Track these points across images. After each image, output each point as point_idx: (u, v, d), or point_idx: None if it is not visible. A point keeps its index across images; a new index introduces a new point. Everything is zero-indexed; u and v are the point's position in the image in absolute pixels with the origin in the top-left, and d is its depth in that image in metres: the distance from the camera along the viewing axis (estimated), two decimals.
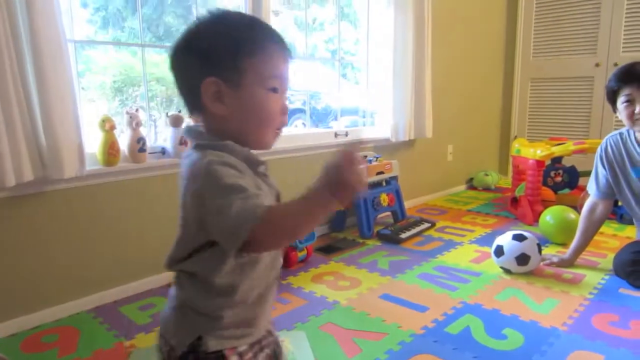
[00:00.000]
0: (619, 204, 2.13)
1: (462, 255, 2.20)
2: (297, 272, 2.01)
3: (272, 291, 0.78)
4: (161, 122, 2.10)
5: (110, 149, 1.68)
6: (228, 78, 0.68)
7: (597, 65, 3.53)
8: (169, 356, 0.73)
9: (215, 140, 0.69)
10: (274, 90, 0.71)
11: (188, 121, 1.86)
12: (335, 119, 3.51)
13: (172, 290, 0.75)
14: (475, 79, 3.67)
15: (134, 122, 1.75)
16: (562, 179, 3.04)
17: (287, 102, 0.74)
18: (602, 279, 1.92)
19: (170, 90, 2.14)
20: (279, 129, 0.74)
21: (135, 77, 2.03)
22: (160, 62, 2.11)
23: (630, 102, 1.80)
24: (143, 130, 1.82)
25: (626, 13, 3.41)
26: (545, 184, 3.02)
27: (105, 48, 2.00)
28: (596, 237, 2.14)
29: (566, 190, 3.02)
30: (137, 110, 1.80)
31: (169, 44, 2.14)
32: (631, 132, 1.95)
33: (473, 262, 2.12)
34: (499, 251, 1.97)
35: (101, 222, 1.74)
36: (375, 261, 2.13)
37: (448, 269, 2.03)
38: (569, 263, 2.05)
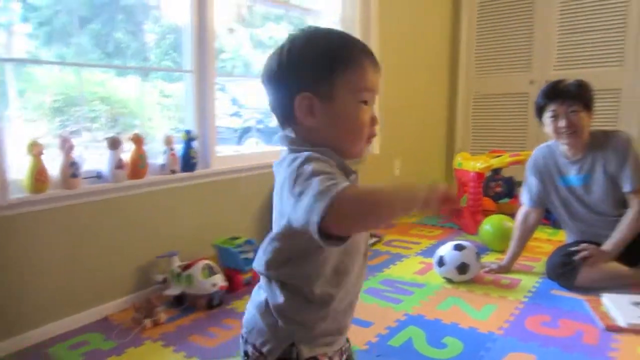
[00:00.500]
0: None
1: (408, 268, 2.26)
2: (242, 295, 1.97)
3: (357, 299, 0.81)
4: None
5: (39, 175, 1.59)
6: (321, 92, 0.71)
7: (531, 82, 3.75)
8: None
9: (313, 145, 0.71)
10: (365, 102, 0.73)
11: (126, 144, 1.85)
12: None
13: (260, 297, 0.76)
14: (421, 96, 3.81)
15: (67, 146, 1.67)
16: (502, 189, 3.18)
17: (375, 113, 0.76)
18: (536, 282, 2.03)
19: (116, 110, 2.11)
20: (370, 139, 0.76)
21: (77, 96, 1.95)
22: (106, 81, 2.08)
23: (555, 117, 1.94)
24: (86, 154, 1.77)
25: (558, 32, 3.65)
26: (486, 194, 3.16)
27: (49, 65, 1.91)
28: (531, 243, 2.27)
29: (505, 200, 3.17)
30: (70, 132, 1.75)
31: (118, 61, 2.17)
32: (558, 144, 2.09)
33: (418, 273, 2.18)
34: (441, 262, 2.04)
35: (24, 255, 1.61)
36: None
37: (394, 282, 2.08)
38: (506, 269, 2.15)
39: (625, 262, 1.94)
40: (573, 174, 2.05)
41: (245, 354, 0.77)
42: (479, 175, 2.81)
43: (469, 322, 1.69)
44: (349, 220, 0.59)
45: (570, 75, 2.28)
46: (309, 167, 0.62)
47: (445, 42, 4.12)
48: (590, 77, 3.46)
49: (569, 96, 1.92)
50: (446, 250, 2.05)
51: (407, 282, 2.08)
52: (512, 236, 2.19)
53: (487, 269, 2.14)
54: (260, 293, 0.77)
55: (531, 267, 2.20)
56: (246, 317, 0.79)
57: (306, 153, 0.66)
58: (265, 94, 0.77)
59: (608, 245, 1.92)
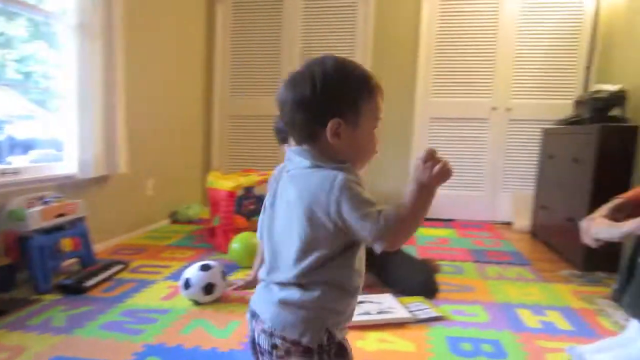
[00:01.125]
0: None
1: (154, 294, 2.13)
2: None
3: None
4: None
5: None
6: (348, 119, 0.84)
7: None
8: (287, 352, 0.83)
9: (331, 163, 0.84)
10: (376, 127, 0.88)
11: None
12: (12, 153, 3.01)
13: (279, 295, 0.85)
14: (176, 115, 3.72)
15: None
16: (255, 207, 3.32)
17: None
18: None
19: None
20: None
21: None
22: None
23: None
24: None
25: (300, 62, 4.04)
26: (240, 212, 3.25)
27: None
28: None
29: (258, 217, 3.31)
30: None
31: None
32: None
33: (165, 299, 2.07)
34: (187, 284, 1.98)
35: None
36: (49, 319, 1.85)
37: (136, 312, 1.92)
38: (253, 284, 2.22)
39: None
40: None
41: (274, 346, 0.85)
42: (231, 193, 2.87)
43: (212, 342, 1.66)
44: (402, 237, 0.81)
45: None
46: (356, 191, 0.80)
47: (201, 62, 4.15)
48: None
49: None
50: (192, 271, 2.00)
51: (151, 309, 1.96)
52: (257, 252, 2.28)
53: (234, 286, 2.17)
54: (275, 292, 0.87)
55: None
56: (270, 316, 0.86)
57: (345, 175, 0.81)
58: (284, 113, 0.88)
59: None
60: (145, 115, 3.25)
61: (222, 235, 2.82)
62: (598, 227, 1.45)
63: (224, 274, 2.06)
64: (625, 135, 2.52)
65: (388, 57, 3.95)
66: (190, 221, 3.68)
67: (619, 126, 2.60)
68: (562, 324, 1.88)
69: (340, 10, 3.99)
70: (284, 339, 0.84)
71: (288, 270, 0.85)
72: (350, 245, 0.84)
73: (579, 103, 3.12)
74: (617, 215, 1.48)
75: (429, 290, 2.12)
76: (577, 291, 2.28)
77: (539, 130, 3.65)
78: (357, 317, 1.78)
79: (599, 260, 2.50)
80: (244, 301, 2.06)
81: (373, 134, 0.89)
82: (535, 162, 3.73)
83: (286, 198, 0.87)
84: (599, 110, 2.85)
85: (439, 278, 2.33)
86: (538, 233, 3.45)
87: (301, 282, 0.84)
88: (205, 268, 2.01)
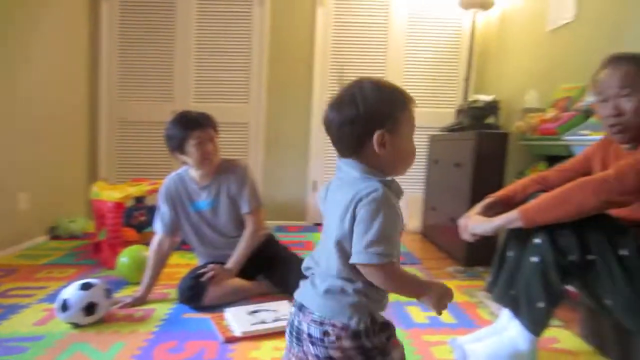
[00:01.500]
0: None
1: (26, 320, 1.91)
2: None
3: None
4: None
5: None
6: (390, 129, 0.97)
7: (173, 112, 3.87)
8: (337, 337, 0.95)
9: (379, 174, 0.98)
10: (413, 132, 1.02)
11: None
12: None
13: (323, 286, 0.98)
14: (57, 118, 3.40)
15: None
16: (146, 218, 3.14)
17: None
18: (170, 309, 2.04)
19: None
20: None
21: None
22: None
23: (201, 143, 2.06)
24: None
25: (195, 68, 3.92)
26: (129, 224, 3.06)
27: None
28: (170, 269, 2.28)
29: (150, 229, 3.13)
30: None
31: None
32: (189, 171, 2.19)
33: (38, 324, 1.87)
34: (64, 306, 1.80)
35: None
36: None
37: (2, 342, 1.71)
38: (142, 300, 2.09)
39: (245, 277, 2.18)
40: (202, 199, 2.19)
41: (325, 333, 0.95)
42: (118, 205, 2.68)
43: None
44: (377, 280, 0.94)
45: (207, 108, 2.47)
46: (388, 225, 0.92)
47: (84, 62, 3.85)
48: (224, 111, 3.92)
49: (206, 124, 2.10)
50: (71, 291, 1.83)
51: (21, 337, 1.75)
52: (147, 265, 2.15)
53: (120, 304, 2.03)
54: (319, 284, 0.99)
55: (167, 295, 2.20)
56: (318, 307, 0.97)
57: (386, 195, 0.93)
58: (331, 132, 1.01)
59: (230, 263, 2.12)
60: (16, 119, 2.94)
61: (108, 249, 2.62)
62: (473, 224, 1.56)
63: (108, 292, 1.91)
64: (498, 141, 2.77)
65: (285, 64, 3.98)
66: (73, 236, 3.38)
67: (492, 133, 2.85)
68: (446, 317, 2.00)
69: (235, 15, 3.93)
70: (333, 325, 0.95)
71: (333, 262, 0.97)
72: None
73: (459, 112, 3.37)
74: (489, 212, 1.62)
75: None
76: (460, 286, 2.44)
77: (426, 136, 3.89)
78: (252, 327, 1.75)
79: (478, 256, 2.72)
80: (132, 319, 1.92)
81: (411, 139, 1.03)
82: (423, 167, 3.97)
83: (336, 201, 0.99)
84: (476, 118, 3.10)
85: None
86: (427, 233, 3.67)
87: (345, 274, 0.96)
88: (85, 287, 1.84)
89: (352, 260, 0.92)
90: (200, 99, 3.97)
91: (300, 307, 1.01)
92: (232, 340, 1.71)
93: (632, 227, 1.41)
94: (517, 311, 1.50)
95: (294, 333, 1.01)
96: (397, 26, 3.95)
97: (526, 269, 1.47)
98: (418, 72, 4.03)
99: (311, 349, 0.97)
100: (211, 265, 2.07)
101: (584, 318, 1.80)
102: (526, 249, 1.49)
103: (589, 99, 2.36)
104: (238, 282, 2.14)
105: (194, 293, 2.02)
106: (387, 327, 1.01)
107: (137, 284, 2.30)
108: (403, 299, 2.17)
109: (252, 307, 1.95)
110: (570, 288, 1.55)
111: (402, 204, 3.42)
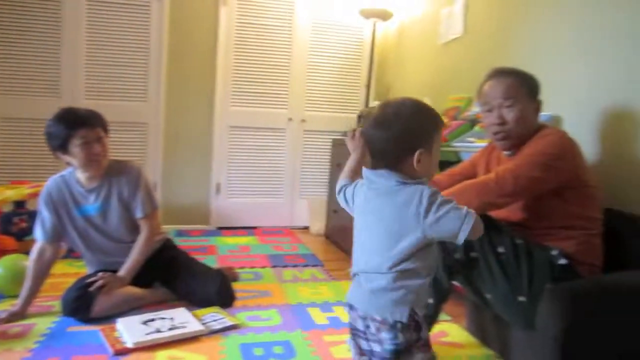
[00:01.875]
0: None
1: None
2: None
3: None
4: None
5: None
6: (427, 148, 1.08)
7: (60, 108, 3.59)
8: (377, 330, 1.06)
9: (416, 179, 1.09)
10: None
11: None
12: None
13: (381, 284, 1.06)
14: None
15: None
16: (28, 224, 2.86)
17: None
18: (53, 322, 1.87)
19: None
20: None
21: None
22: None
23: (86, 143, 1.91)
24: None
25: (85, 63, 3.63)
26: (8, 231, 2.76)
27: None
28: (56, 279, 2.10)
29: (32, 236, 2.85)
30: None
31: None
32: (74, 172, 2.02)
33: None
34: None
35: None
36: None
37: None
38: (20, 315, 1.89)
39: (140, 285, 2.06)
40: (90, 203, 2.04)
41: (367, 326, 1.08)
42: None
43: None
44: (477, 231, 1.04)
45: (101, 105, 2.30)
46: (447, 203, 1.04)
47: None
48: (120, 109, 3.70)
49: (93, 122, 1.95)
50: None
51: None
52: (27, 276, 1.95)
53: None
54: (364, 283, 1.10)
55: (51, 307, 2.02)
56: (362, 304, 1.09)
57: (431, 189, 1.05)
58: (374, 146, 1.11)
59: (123, 271, 1.99)
60: None
61: None
62: None
63: None
64: None
65: (186, 62, 3.84)
66: None
67: None
68: (346, 317, 2.04)
69: (131, 7, 3.70)
70: (373, 319, 1.05)
71: (377, 265, 1.07)
72: (429, 244, 1.07)
73: (360, 117, 3.49)
74: None
75: (225, 299, 2.10)
76: None
77: (329, 140, 3.98)
78: (145, 337, 1.67)
79: None
80: (7, 336, 1.74)
81: (439, 155, 1.14)
82: (327, 170, 4.06)
83: (377, 208, 1.10)
84: None
85: (238, 286, 2.34)
86: (330, 235, 3.75)
87: (387, 273, 1.06)
88: None
89: (461, 240, 1.03)
90: (92, 95, 3.69)
91: (351, 307, 1.14)
92: (123, 352, 1.61)
93: (508, 227, 1.55)
94: None
95: (354, 331, 1.14)
96: (301, 31, 4.00)
97: None
98: (322, 76, 4.11)
99: (376, 348, 1.08)
100: (101, 274, 1.94)
101: (469, 312, 1.95)
102: None
103: (475, 109, 2.57)
104: (131, 290, 2.02)
105: (81, 304, 1.87)
106: (421, 327, 1.08)
107: (15, 297, 2.09)
108: (305, 300, 2.20)
109: (146, 316, 1.85)
110: (456, 284, 1.67)
111: (305, 205, 3.44)
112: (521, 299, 1.44)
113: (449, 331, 1.95)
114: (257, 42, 3.94)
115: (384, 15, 3.70)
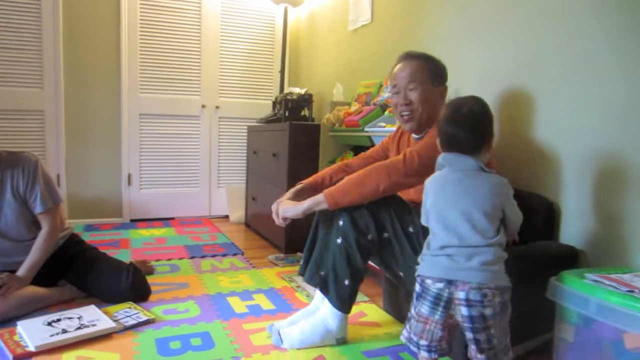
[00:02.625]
0: None
1: None
2: None
3: None
4: None
5: None
6: (490, 141, 1.30)
7: None
8: (493, 295, 1.17)
9: (490, 169, 1.26)
10: None
11: None
12: None
13: (487, 257, 1.18)
14: None
15: None
16: None
17: None
18: None
19: None
20: None
21: None
22: None
23: None
24: None
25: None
26: None
27: None
28: None
29: None
30: None
31: None
32: None
33: None
34: None
35: None
36: None
37: None
38: None
39: (44, 284, 1.92)
40: None
41: (484, 295, 1.16)
42: None
43: None
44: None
45: None
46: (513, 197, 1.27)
47: None
48: (12, 96, 3.38)
49: None
50: None
51: None
52: None
53: None
54: (465, 258, 1.18)
55: None
56: (474, 276, 1.17)
57: (505, 180, 1.26)
58: (456, 139, 1.27)
59: (22, 270, 1.84)
60: None
61: None
62: (284, 208, 1.63)
63: None
64: (311, 132, 2.93)
65: (86, 45, 3.57)
66: None
67: (306, 124, 3.01)
68: (266, 304, 2.06)
69: None
70: (489, 287, 1.16)
71: (478, 239, 1.19)
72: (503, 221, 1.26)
73: (275, 103, 3.48)
74: (300, 197, 1.71)
75: (138, 293, 2.02)
76: (281, 272, 2.54)
77: (245, 127, 3.93)
78: (49, 339, 1.56)
79: (298, 243, 2.86)
80: None
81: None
82: (244, 157, 4.01)
83: (464, 187, 1.23)
84: (292, 110, 3.24)
85: (153, 279, 2.25)
86: (251, 223, 3.72)
87: (489, 246, 1.18)
88: None
89: (514, 229, 1.30)
90: None
91: (450, 282, 1.18)
92: (23, 356, 1.50)
93: (417, 207, 1.63)
94: (326, 290, 1.62)
95: (442, 303, 1.20)
96: (211, 15, 3.87)
97: (332, 250, 1.60)
98: (235, 62, 4.03)
99: (463, 311, 1.17)
100: None
101: (385, 292, 2.03)
102: (332, 230, 1.61)
103: (385, 95, 2.66)
104: (33, 290, 1.87)
105: None
106: (510, 289, 1.22)
107: None
108: (224, 290, 2.18)
109: (51, 317, 1.73)
110: (372, 264, 1.74)
111: (223, 194, 3.40)
112: None
113: (367, 311, 2.02)
114: (164, 25, 3.78)
115: (294, 1, 3.70)
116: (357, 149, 2.72)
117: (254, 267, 2.65)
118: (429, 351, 1.24)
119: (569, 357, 1.34)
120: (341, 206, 1.56)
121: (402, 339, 1.30)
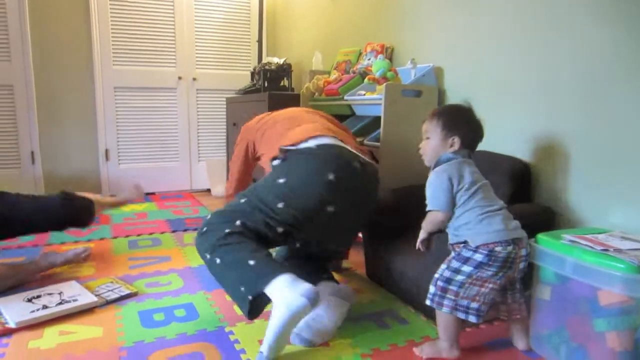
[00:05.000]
0: None
1: None
2: None
3: None
4: None
5: None
6: None
7: None
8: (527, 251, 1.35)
9: None
10: None
11: None
12: None
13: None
14: None
15: None
16: None
17: None
18: None
19: None
20: None
21: None
22: None
23: None
24: None
25: None
26: None
27: None
28: None
29: None
30: None
31: None
32: None
33: None
34: None
35: None
36: None
37: None
38: None
39: None
40: None
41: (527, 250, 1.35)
42: None
43: None
44: None
45: None
46: None
47: None
48: None
49: None
50: None
51: None
52: None
53: None
54: (505, 220, 1.33)
55: None
56: (522, 234, 1.34)
57: None
58: (467, 134, 1.44)
59: None
60: None
61: None
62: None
63: None
64: (290, 102, 2.89)
65: (53, 16, 3.44)
66: None
67: (285, 94, 2.97)
68: None
69: None
70: (528, 244, 1.35)
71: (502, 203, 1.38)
72: None
73: (254, 74, 3.41)
74: None
75: (73, 213, 1.97)
76: None
77: (224, 99, 3.86)
78: (30, 315, 1.54)
79: None
80: None
81: None
82: (224, 130, 3.96)
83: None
84: (271, 80, 3.19)
85: (136, 253, 2.25)
86: (233, 195, 3.69)
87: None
88: None
89: None
90: None
91: (514, 240, 1.30)
92: (5, 333, 1.48)
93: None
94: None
95: (508, 264, 1.29)
96: None
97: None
98: (210, 32, 3.92)
99: (521, 266, 1.33)
100: None
101: (367, 260, 2.05)
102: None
103: (365, 62, 2.62)
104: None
105: None
106: None
107: None
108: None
109: (31, 294, 1.70)
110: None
111: (204, 167, 3.34)
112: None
113: (350, 279, 2.04)
114: None
115: None
116: (338, 118, 2.69)
117: None
118: (478, 315, 1.31)
119: (546, 314, 1.37)
120: None
121: (446, 309, 1.32)
